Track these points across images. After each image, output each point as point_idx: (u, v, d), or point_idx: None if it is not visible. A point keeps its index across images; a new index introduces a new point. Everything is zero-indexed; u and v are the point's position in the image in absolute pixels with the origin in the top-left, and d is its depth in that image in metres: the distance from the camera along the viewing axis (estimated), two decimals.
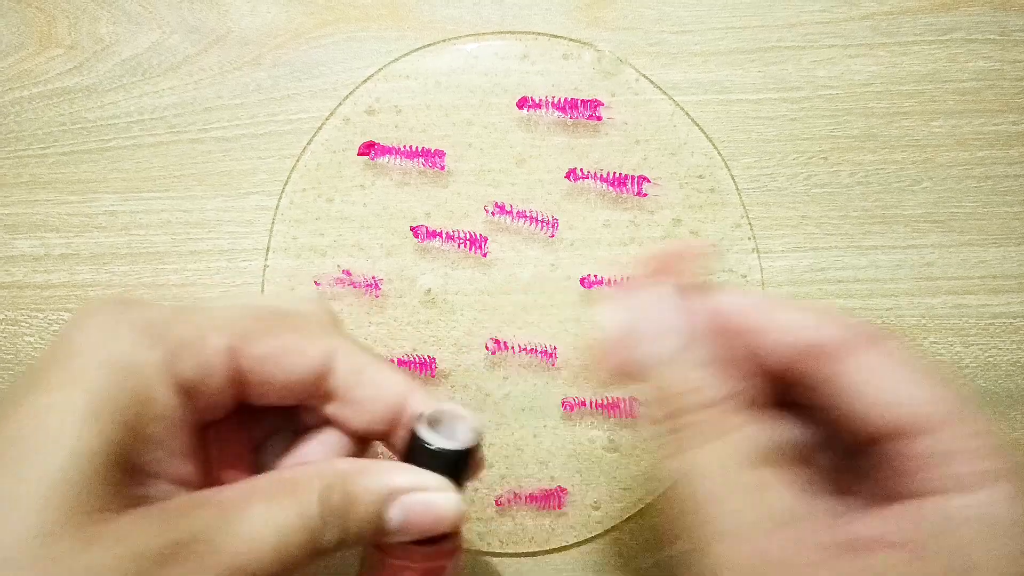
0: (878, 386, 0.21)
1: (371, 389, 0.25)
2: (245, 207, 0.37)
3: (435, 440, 0.25)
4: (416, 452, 0.25)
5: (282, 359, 0.24)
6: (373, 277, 0.37)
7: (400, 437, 0.26)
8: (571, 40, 0.37)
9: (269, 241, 0.37)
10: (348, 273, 0.37)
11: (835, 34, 0.37)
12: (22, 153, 0.38)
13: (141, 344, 0.21)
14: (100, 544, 0.19)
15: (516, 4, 0.37)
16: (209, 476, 0.24)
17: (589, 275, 0.36)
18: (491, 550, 0.37)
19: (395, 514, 0.23)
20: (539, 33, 0.37)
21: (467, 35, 0.37)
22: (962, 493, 0.19)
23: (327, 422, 0.26)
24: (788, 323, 0.22)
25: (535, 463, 0.37)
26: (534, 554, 0.36)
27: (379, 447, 0.28)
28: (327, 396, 0.25)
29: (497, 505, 0.36)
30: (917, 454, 0.20)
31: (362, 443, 0.27)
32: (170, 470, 0.22)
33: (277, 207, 0.37)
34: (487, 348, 0.37)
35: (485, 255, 0.37)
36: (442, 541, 0.26)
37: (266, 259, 0.37)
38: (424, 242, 0.37)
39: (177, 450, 0.22)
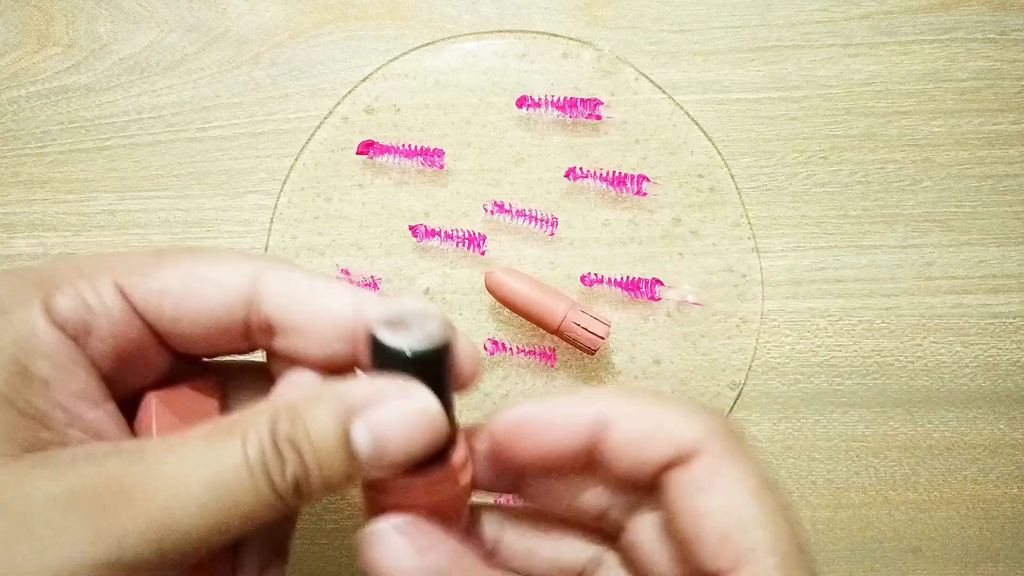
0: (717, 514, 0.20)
1: (311, 307, 0.21)
2: (243, 206, 0.37)
3: (395, 339, 0.20)
4: (378, 361, 0.20)
5: (189, 291, 0.21)
6: (372, 276, 0.37)
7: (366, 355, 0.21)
8: (570, 39, 0.37)
9: (267, 240, 0.37)
10: (347, 272, 0.37)
11: (835, 33, 0.37)
12: (19, 152, 0.38)
13: (19, 288, 0.20)
14: None
15: (515, 3, 0.37)
16: None
17: (589, 273, 0.36)
18: None
19: (360, 435, 0.19)
20: (538, 32, 0.37)
21: (466, 34, 0.37)
22: None
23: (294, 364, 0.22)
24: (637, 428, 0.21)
25: None
26: None
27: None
28: (268, 331, 0.22)
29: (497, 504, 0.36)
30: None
31: (336, 375, 0.23)
32: (79, 416, 0.20)
33: (275, 206, 0.37)
34: (486, 348, 0.36)
35: (484, 254, 0.37)
36: (437, 467, 0.21)
37: None
38: (423, 241, 0.37)
39: (78, 392, 0.20)
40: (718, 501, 0.20)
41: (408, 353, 0.20)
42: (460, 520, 0.24)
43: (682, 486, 0.20)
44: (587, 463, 0.22)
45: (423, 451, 0.20)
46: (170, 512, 0.17)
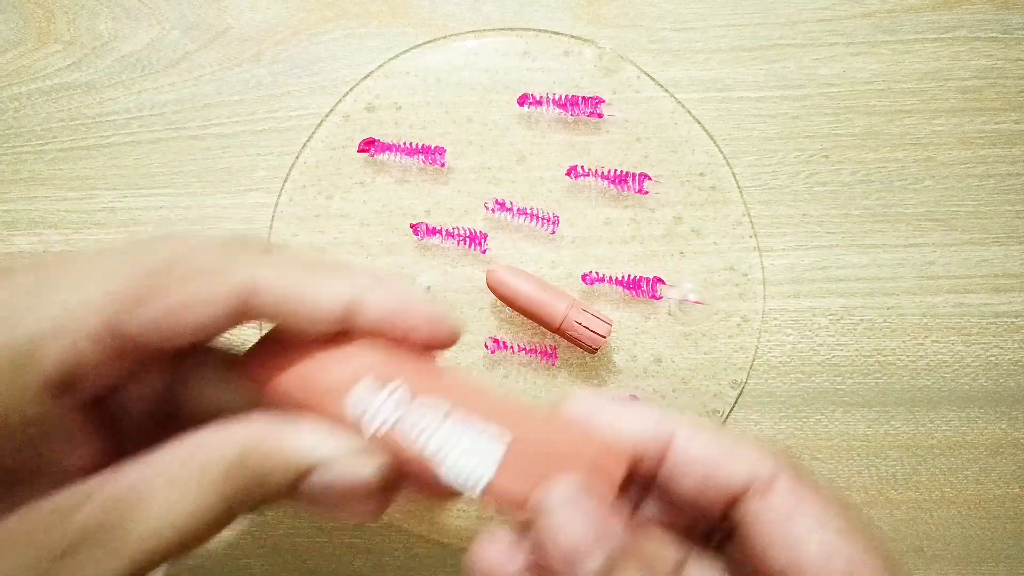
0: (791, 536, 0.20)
1: (306, 309, 0.21)
2: (244, 204, 0.37)
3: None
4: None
5: (185, 317, 0.21)
6: None
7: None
8: (572, 37, 0.37)
9: (268, 239, 0.37)
10: None
11: (837, 32, 0.37)
12: (20, 149, 0.37)
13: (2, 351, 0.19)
14: None
15: (517, 0, 0.37)
16: (124, 441, 0.23)
17: (590, 272, 0.36)
18: None
19: (312, 484, 0.21)
20: (540, 30, 0.37)
21: (467, 32, 0.37)
22: None
23: None
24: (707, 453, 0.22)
25: None
26: None
27: None
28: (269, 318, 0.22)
29: None
30: None
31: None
32: (59, 462, 0.21)
33: (276, 204, 0.37)
34: (486, 347, 0.36)
35: (485, 252, 0.36)
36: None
37: None
38: (424, 239, 0.37)
39: (59, 448, 0.21)
40: (809, 526, 0.20)
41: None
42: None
43: (767, 515, 0.21)
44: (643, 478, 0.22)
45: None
46: (150, 550, 0.20)
